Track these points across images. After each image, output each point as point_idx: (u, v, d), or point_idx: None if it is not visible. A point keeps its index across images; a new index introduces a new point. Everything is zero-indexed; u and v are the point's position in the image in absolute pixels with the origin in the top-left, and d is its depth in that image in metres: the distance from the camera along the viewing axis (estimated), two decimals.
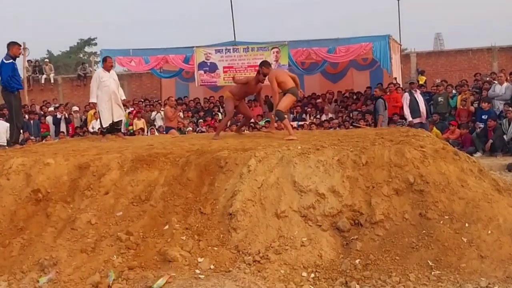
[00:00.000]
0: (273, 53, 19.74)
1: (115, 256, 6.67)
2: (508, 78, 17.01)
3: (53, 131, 20.06)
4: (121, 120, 11.85)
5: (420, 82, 21.38)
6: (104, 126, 11.39)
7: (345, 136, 8.73)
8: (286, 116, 9.84)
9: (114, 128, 11.60)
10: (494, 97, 16.20)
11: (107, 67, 11.44)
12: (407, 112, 16.25)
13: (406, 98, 16.41)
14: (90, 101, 11.63)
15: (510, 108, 15.05)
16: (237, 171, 7.43)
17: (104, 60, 11.78)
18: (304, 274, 6.34)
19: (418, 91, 16.90)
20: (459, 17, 77.70)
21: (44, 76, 27.43)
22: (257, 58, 19.92)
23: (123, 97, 11.79)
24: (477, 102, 16.60)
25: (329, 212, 6.90)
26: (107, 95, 11.23)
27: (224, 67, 20.66)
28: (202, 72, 20.83)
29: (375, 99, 17.98)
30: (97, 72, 11.90)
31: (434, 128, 16.03)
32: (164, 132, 17.19)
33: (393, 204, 6.87)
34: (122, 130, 15.13)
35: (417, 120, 16.07)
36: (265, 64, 9.83)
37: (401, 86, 19.90)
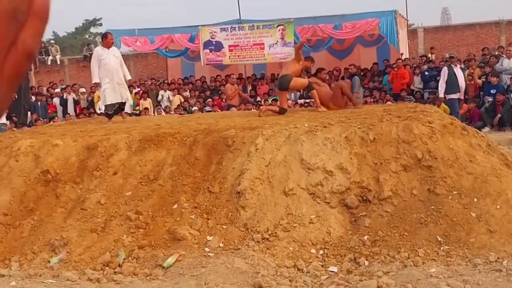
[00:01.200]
0: (279, 30, 19.59)
1: (125, 235, 6.71)
2: None
3: (61, 112, 20.07)
4: (125, 102, 10.86)
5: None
6: (108, 105, 10.48)
7: (352, 113, 8.71)
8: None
9: (119, 108, 10.69)
10: (502, 71, 16.06)
11: (108, 44, 10.61)
12: (441, 87, 15.48)
13: (444, 73, 15.57)
14: (92, 82, 11.02)
15: None
16: (245, 150, 7.42)
17: (105, 36, 10.92)
18: (313, 251, 6.37)
19: (458, 66, 16.03)
20: None
21: (50, 57, 27.35)
22: (262, 36, 19.85)
23: (128, 77, 10.96)
24: (485, 76, 16.45)
25: (337, 189, 6.91)
26: (108, 73, 10.36)
27: (229, 46, 20.51)
28: (207, 51, 20.71)
29: (351, 77, 17.85)
30: (95, 50, 11.06)
31: (442, 103, 15.90)
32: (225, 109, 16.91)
33: (401, 180, 6.86)
34: (129, 111, 14.85)
35: (455, 96, 15.37)
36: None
37: (409, 61, 19.83)
